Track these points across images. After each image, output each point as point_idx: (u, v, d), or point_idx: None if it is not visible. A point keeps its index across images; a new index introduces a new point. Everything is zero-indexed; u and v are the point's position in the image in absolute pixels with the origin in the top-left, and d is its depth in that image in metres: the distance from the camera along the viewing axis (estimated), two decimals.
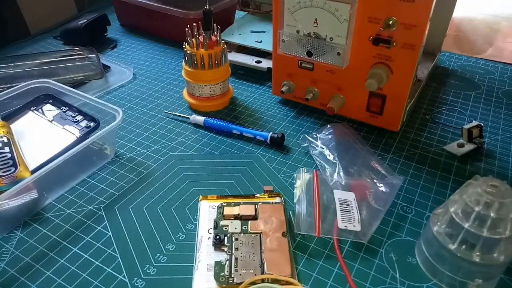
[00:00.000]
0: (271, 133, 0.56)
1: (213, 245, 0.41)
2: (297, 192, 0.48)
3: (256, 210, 0.44)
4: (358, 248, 0.42)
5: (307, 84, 0.60)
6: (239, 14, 0.91)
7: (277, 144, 0.56)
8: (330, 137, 0.54)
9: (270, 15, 0.64)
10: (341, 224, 0.42)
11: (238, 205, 0.45)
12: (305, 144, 0.55)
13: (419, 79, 0.66)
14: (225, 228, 0.42)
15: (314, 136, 0.55)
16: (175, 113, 0.63)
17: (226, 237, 0.41)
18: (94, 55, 0.75)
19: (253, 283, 0.37)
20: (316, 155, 0.53)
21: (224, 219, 0.43)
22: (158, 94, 0.68)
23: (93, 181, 0.50)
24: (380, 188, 0.46)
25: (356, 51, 0.52)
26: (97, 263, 0.41)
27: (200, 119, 0.60)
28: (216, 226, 0.43)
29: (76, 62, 0.74)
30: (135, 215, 0.46)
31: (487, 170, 0.52)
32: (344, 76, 0.56)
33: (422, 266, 0.40)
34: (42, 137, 0.53)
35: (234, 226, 0.43)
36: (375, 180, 0.48)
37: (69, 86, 0.58)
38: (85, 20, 0.83)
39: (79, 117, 0.55)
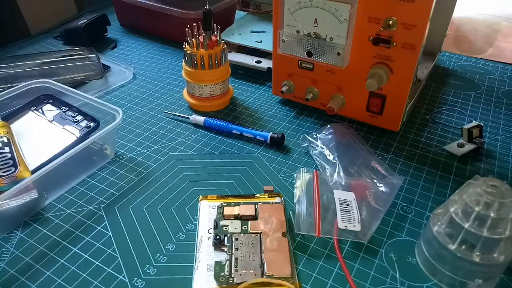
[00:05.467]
0: (271, 133, 0.56)
1: (213, 245, 0.41)
2: (297, 192, 0.48)
3: (256, 210, 0.44)
4: (358, 248, 0.42)
5: (307, 84, 0.60)
6: (239, 14, 0.91)
7: (277, 144, 0.56)
8: (330, 137, 0.54)
9: (270, 15, 0.64)
10: (341, 224, 0.42)
11: (238, 205, 0.45)
12: (305, 144, 0.55)
13: (419, 79, 0.66)
14: (225, 228, 0.42)
15: (314, 136, 0.55)
16: (175, 113, 0.63)
17: (226, 237, 0.41)
18: (94, 55, 0.75)
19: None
20: (316, 155, 0.53)
21: (224, 219, 0.43)
22: (158, 94, 0.68)
23: (93, 181, 0.50)
24: (380, 188, 0.46)
25: (356, 51, 0.52)
26: (97, 263, 0.41)
27: (200, 119, 0.60)
28: (216, 226, 0.43)
29: (76, 62, 0.74)
30: (135, 215, 0.46)
31: (487, 170, 0.52)
32: (344, 76, 0.56)
33: (422, 266, 0.40)
34: (42, 137, 0.53)
35: (234, 226, 0.43)
36: (375, 180, 0.48)
37: (69, 86, 0.58)
38: (85, 20, 0.83)
39: (79, 117, 0.55)
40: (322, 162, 0.51)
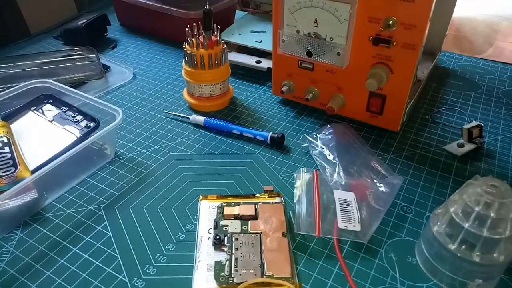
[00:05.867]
0: (271, 133, 0.56)
1: (213, 245, 0.41)
2: (297, 192, 0.48)
3: (256, 210, 0.44)
4: (358, 248, 0.42)
5: (307, 84, 0.60)
6: (239, 14, 0.91)
7: (277, 144, 0.56)
8: (330, 137, 0.54)
9: (270, 15, 0.64)
10: (341, 224, 0.42)
11: (238, 205, 0.45)
12: (305, 144, 0.55)
13: (419, 79, 0.66)
14: (225, 228, 0.42)
15: (314, 136, 0.55)
16: (175, 113, 0.63)
17: (226, 237, 0.41)
18: (94, 55, 0.75)
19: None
20: (316, 155, 0.53)
21: (224, 219, 0.43)
22: (158, 94, 0.68)
23: (93, 181, 0.50)
24: (380, 188, 0.46)
25: (356, 51, 0.52)
26: (97, 263, 0.41)
27: (200, 119, 0.60)
28: (216, 226, 0.43)
29: (76, 62, 0.74)
30: (135, 215, 0.46)
31: (487, 170, 0.52)
32: (344, 76, 0.56)
33: (422, 266, 0.40)
34: (42, 137, 0.53)
35: (234, 226, 0.43)
36: (375, 180, 0.48)
37: (69, 86, 0.58)
38: (85, 20, 0.83)
39: (79, 117, 0.55)
40: (322, 162, 0.51)
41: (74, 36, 0.84)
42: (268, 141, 0.56)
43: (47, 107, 0.57)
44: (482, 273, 0.36)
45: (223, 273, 0.38)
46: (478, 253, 0.35)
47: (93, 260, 0.41)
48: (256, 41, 0.74)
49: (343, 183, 0.47)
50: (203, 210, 0.45)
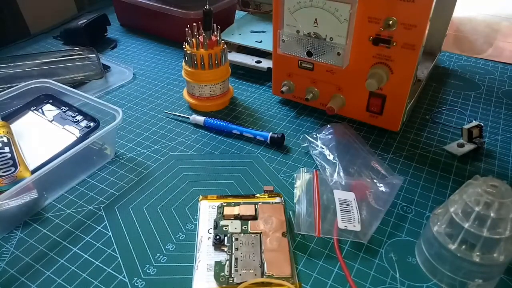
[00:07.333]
0: (271, 133, 0.56)
1: (213, 245, 0.41)
2: (297, 192, 0.48)
3: (256, 210, 0.44)
4: (358, 248, 0.42)
5: (307, 84, 0.60)
6: (239, 14, 0.91)
7: (277, 144, 0.56)
8: (330, 137, 0.54)
9: (270, 15, 0.64)
10: (341, 224, 0.42)
11: (238, 205, 0.45)
12: (305, 144, 0.55)
13: (419, 79, 0.66)
14: (225, 228, 0.42)
15: (314, 136, 0.55)
16: (175, 113, 0.63)
17: (226, 237, 0.41)
18: (94, 55, 0.75)
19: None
20: (316, 155, 0.53)
21: (224, 219, 0.43)
22: (158, 94, 0.68)
23: (93, 181, 0.50)
24: (380, 188, 0.46)
25: (356, 51, 0.52)
26: (97, 263, 0.41)
27: (200, 119, 0.60)
28: (216, 226, 0.43)
29: (76, 62, 0.74)
30: (135, 215, 0.46)
31: (487, 170, 0.52)
32: (344, 76, 0.56)
33: (422, 266, 0.40)
34: (42, 137, 0.53)
35: (234, 226, 0.43)
36: (375, 180, 0.48)
37: (69, 86, 0.58)
38: (85, 20, 0.83)
39: (79, 117, 0.55)
40: (322, 162, 0.51)
41: (74, 36, 0.84)
42: (268, 141, 0.56)
43: (47, 107, 0.57)
44: (482, 273, 0.36)
45: (223, 273, 0.38)
46: (478, 253, 0.35)
47: (93, 260, 0.41)
48: (256, 41, 0.74)
49: (343, 183, 0.47)
50: (203, 210, 0.45)
